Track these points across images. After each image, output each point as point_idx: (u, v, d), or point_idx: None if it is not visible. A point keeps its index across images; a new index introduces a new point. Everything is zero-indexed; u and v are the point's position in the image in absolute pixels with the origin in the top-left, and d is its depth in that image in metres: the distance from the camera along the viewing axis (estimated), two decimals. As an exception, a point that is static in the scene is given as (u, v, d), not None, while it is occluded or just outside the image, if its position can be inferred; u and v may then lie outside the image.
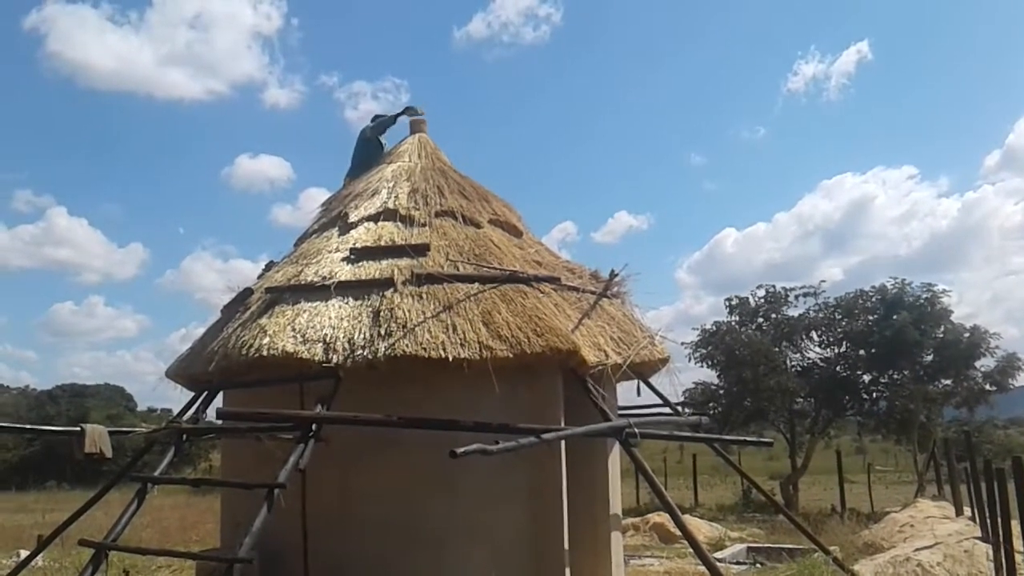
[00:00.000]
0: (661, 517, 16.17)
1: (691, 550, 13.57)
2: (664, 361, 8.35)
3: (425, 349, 6.48)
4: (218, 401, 7.44)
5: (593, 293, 8.15)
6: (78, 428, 7.93)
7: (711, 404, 22.28)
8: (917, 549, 11.33)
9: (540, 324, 6.85)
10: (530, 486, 6.89)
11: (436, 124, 10.14)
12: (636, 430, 6.79)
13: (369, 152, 9.81)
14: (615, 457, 8.38)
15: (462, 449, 5.09)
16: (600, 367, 7.22)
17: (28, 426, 8.25)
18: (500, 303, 7.02)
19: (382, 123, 10.09)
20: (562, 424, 6.92)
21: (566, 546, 6.88)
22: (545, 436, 5.94)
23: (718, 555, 12.25)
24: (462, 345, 6.56)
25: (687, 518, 16.75)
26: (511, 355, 6.58)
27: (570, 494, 7.11)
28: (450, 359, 6.45)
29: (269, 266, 8.53)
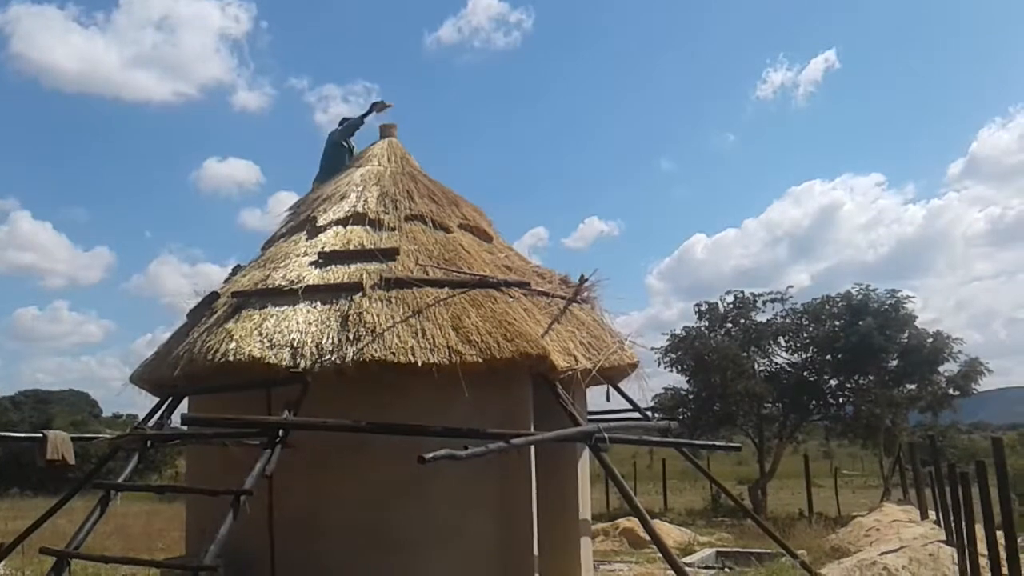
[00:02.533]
0: (631, 522, 16.20)
1: (661, 555, 13.71)
2: (633, 366, 8.38)
3: (394, 354, 6.44)
4: (183, 407, 7.36)
5: (563, 298, 8.15)
6: (40, 435, 7.80)
7: (680, 409, 22.38)
8: (883, 553, 11.44)
9: (510, 329, 6.84)
10: (500, 491, 6.87)
11: (406, 129, 10.13)
12: (606, 435, 6.79)
13: (338, 156, 9.75)
14: (584, 462, 8.39)
15: (431, 455, 5.06)
16: (570, 372, 7.23)
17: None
18: (470, 308, 6.99)
19: (350, 125, 10.02)
20: (532, 429, 6.91)
21: (536, 552, 6.88)
22: (514, 441, 5.92)
23: (687, 559, 12.30)
24: (431, 350, 6.52)
25: (656, 523, 16.78)
26: (480, 360, 6.56)
27: (540, 499, 7.10)
28: (419, 364, 6.41)
29: (236, 270, 8.44)
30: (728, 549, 14.16)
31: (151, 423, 7.60)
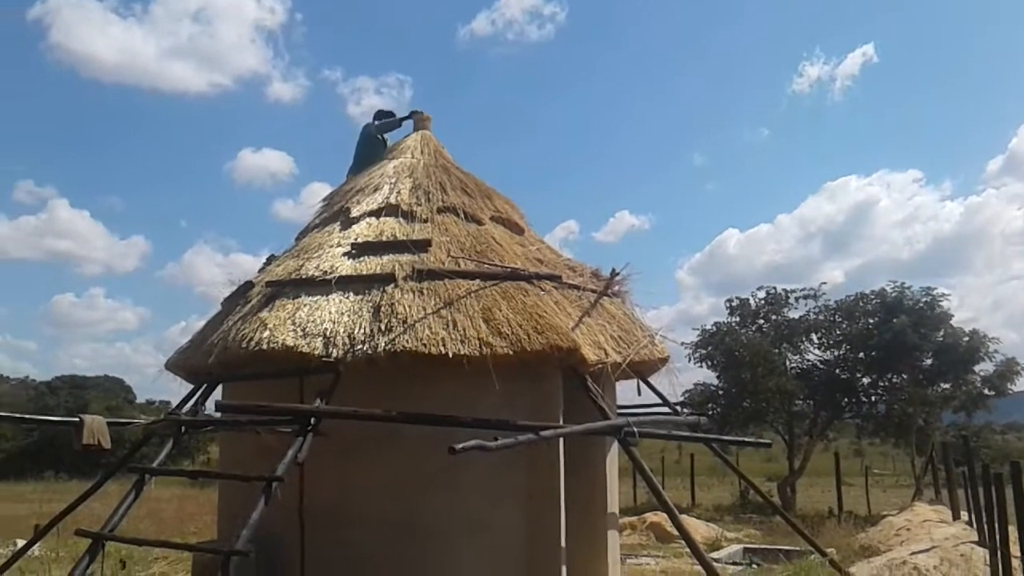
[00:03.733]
0: (658, 516, 16.19)
1: (688, 550, 13.67)
2: (664, 361, 8.35)
3: (425, 345, 6.47)
4: (217, 394, 7.45)
5: (594, 292, 8.14)
6: (76, 419, 7.93)
7: (710, 405, 22.29)
8: (913, 552, 11.33)
9: (540, 322, 6.84)
10: (528, 483, 6.88)
11: (439, 121, 10.16)
12: (635, 429, 6.78)
13: (372, 149, 9.82)
14: (613, 456, 8.38)
15: (461, 445, 5.08)
16: (600, 366, 7.22)
17: (27, 416, 8.23)
18: (501, 300, 7.01)
19: (388, 123, 10.12)
20: (561, 422, 6.92)
21: (563, 544, 6.88)
22: (544, 434, 5.93)
23: (714, 555, 12.26)
24: (462, 342, 6.54)
25: (684, 518, 16.78)
26: (511, 352, 6.57)
27: (568, 492, 7.10)
28: (450, 355, 6.43)
29: (270, 260, 8.52)
30: (756, 546, 14.10)
31: (185, 409, 7.73)
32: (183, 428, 6.87)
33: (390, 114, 10.28)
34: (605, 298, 8.18)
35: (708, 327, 23.23)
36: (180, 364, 7.76)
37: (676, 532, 15.28)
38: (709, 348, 22.35)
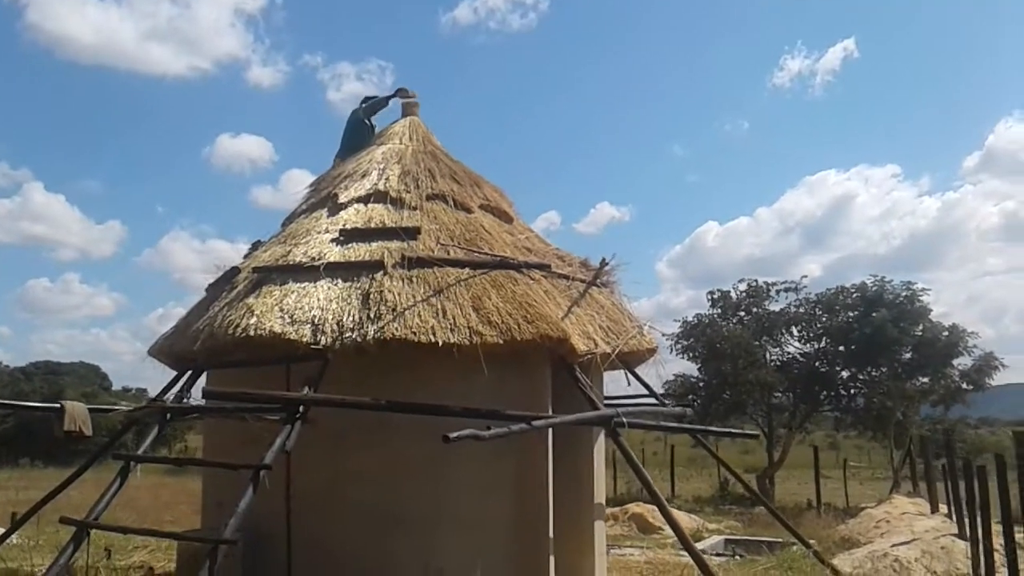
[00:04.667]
0: (640, 507, 16.25)
1: (671, 540, 13.73)
2: (652, 351, 8.34)
3: (415, 333, 6.40)
4: (202, 381, 7.36)
5: (583, 281, 8.11)
6: (58, 405, 7.83)
7: (690, 396, 22.43)
8: (894, 545, 11.45)
9: (530, 311, 6.80)
10: (516, 474, 6.85)
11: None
12: (624, 420, 6.77)
13: (360, 134, 9.71)
14: (600, 447, 8.38)
15: (455, 434, 5.05)
16: (589, 356, 7.19)
17: (5, 401, 8.09)
18: (490, 289, 6.95)
19: (374, 104, 9.99)
20: (550, 412, 6.89)
21: (551, 535, 6.86)
22: (536, 423, 5.90)
23: (696, 546, 12.32)
24: (452, 330, 6.48)
25: (666, 509, 16.90)
26: (501, 341, 6.51)
27: (555, 483, 7.08)
28: (440, 344, 6.37)
29: (256, 245, 8.42)
30: (737, 537, 14.18)
31: (168, 396, 7.63)
32: (168, 415, 6.77)
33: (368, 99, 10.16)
34: (594, 288, 8.16)
35: (690, 319, 23.36)
36: (164, 350, 7.65)
37: (658, 523, 15.49)
38: (690, 340, 22.46)
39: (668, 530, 15.25)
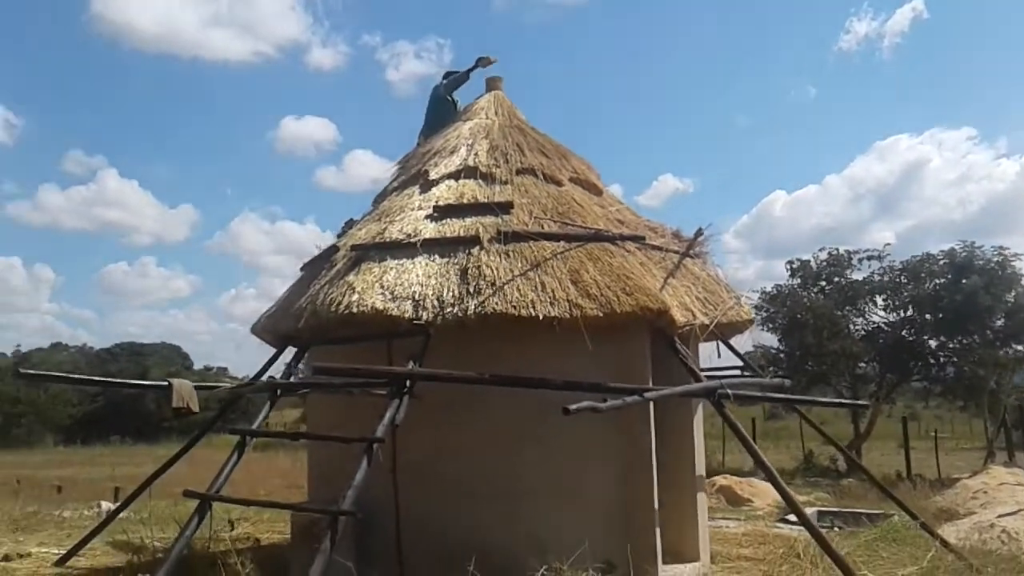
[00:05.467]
0: (727, 480, 16.14)
1: (761, 513, 13.59)
2: (749, 322, 8.22)
3: (515, 307, 6.42)
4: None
5: (676, 252, 8.01)
6: (166, 383, 8.07)
7: (771, 368, 22.08)
8: (1000, 515, 11.12)
9: (629, 283, 6.75)
10: (620, 446, 6.82)
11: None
12: (729, 391, 6.68)
13: (443, 110, 9.73)
14: (700, 418, 8.31)
15: (574, 406, 5.05)
16: (688, 327, 7.12)
17: (118, 380, 8.40)
18: (587, 261, 6.92)
19: (455, 80, 9.99)
20: (650, 385, 6.84)
21: (656, 506, 6.84)
22: (648, 395, 5.87)
23: (790, 518, 12.15)
24: (552, 304, 6.48)
25: (752, 481, 16.71)
26: (601, 314, 6.49)
27: (656, 455, 7.05)
28: (540, 317, 6.38)
29: (349, 224, 8.54)
30: (829, 509, 13.93)
31: (270, 373, 7.85)
32: (278, 391, 6.93)
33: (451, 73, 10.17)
34: (687, 259, 8.05)
35: (768, 289, 22.95)
36: (268, 328, 7.82)
37: (746, 495, 15.32)
38: (770, 311, 22.08)
39: (757, 502, 15.17)
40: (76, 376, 11.81)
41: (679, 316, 7.05)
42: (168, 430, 44.87)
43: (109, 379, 9.25)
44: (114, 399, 50.74)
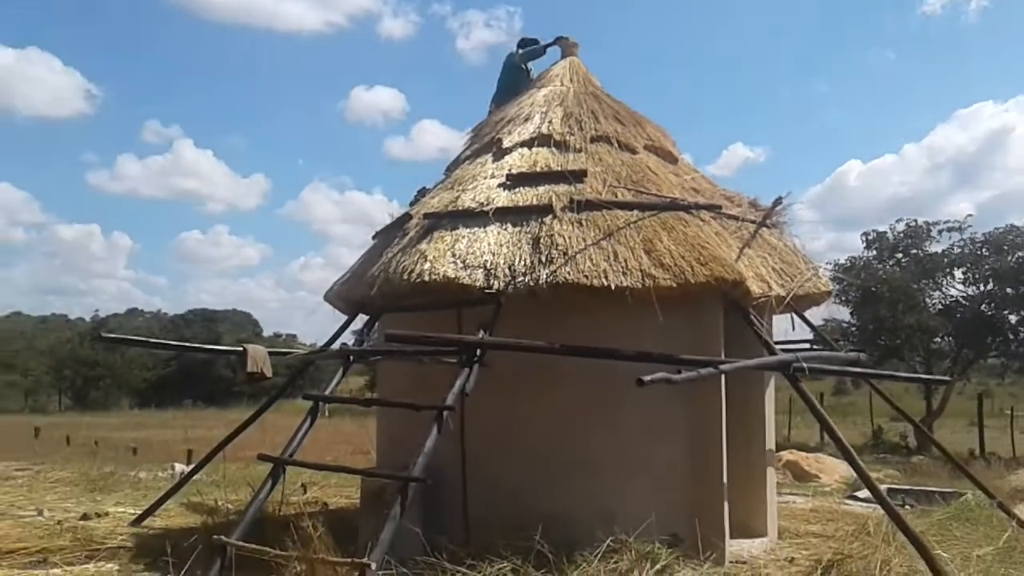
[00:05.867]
0: (794, 455, 15.87)
1: (828, 489, 13.35)
2: (828, 295, 8.01)
3: (587, 277, 6.34)
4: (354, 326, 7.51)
5: (752, 222, 7.81)
6: (241, 348, 8.22)
7: (841, 342, 21.59)
8: (1077, 494, 10.75)
9: (703, 253, 6.61)
10: (690, 419, 6.74)
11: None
12: (804, 365, 6.51)
13: (517, 78, 9.64)
14: (771, 393, 8.15)
15: (648, 377, 4.96)
16: (764, 299, 6.96)
17: (195, 345, 8.58)
18: (661, 231, 6.79)
19: (532, 51, 9.89)
20: (723, 357, 6.71)
21: (725, 480, 6.74)
22: (723, 367, 5.76)
23: (858, 494, 11.92)
24: (624, 273, 6.38)
25: (820, 456, 16.43)
26: (674, 284, 6.37)
27: (727, 429, 6.94)
28: (612, 288, 6.28)
29: (422, 192, 8.52)
30: (901, 486, 13.61)
31: (342, 340, 7.91)
32: (351, 358, 6.99)
33: (534, 41, 10.00)
34: (764, 229, 7.85)
35: (842, 261, 22.38)
36: (342, 295, 7.89)
37: (813, 471, 15.08)
38: (843, 283, 21.54)
39: (824, 478, 14.91)
40: (153, 340, 12.15)
41: (755, 287, 6.89)
42: (238, 395, 46.15)
43: (185, 344, 9.44)
44: (186, 364, 52.28)
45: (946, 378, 10.82)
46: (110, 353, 52.40)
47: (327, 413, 6.55)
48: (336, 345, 8.00)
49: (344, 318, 8.19)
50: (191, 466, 10.86)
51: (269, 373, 8.09)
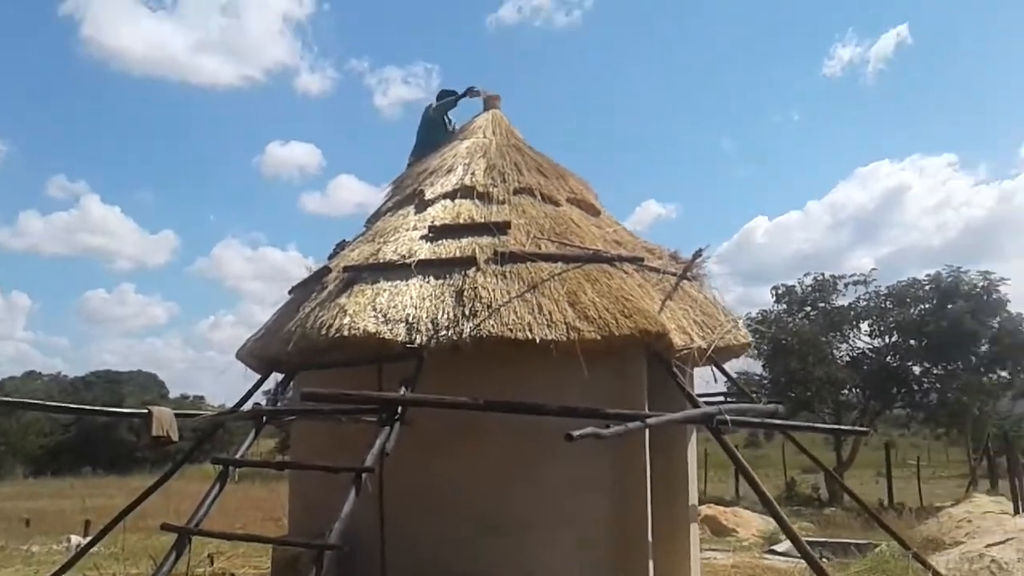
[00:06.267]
0: (712, 509, 15.92)
1: (746, 543, 13.37)
2: (747, 346, 8.06)
3: (511, 330, 6.21)
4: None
5: (673, 275, 7.85)
6: (146, 410, 7.77)
7: (754, 393, 21.95)
8: (989, 545, 10.98)
9: (628, 305, 6.57)
10: (614, 474, 6.62)
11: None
12: (727, 417, 6.49)
13: (435, 131, 9.61)
14: (693, 446, 8.12)
15: (578, 432, 4.83)
16: (686, 351, 6.94)
17: (95, 408, 8.04)
18: (585, 283, 6.74)
19: (446, 103, 9.88)
20: (646, 410, 6.64)
21: (650, 537, 6.62)
22: (650, 421, 5.66)
23: (776, 548, 11.96)
24: (549, 326, 6.28)
25: (737, 511, 16.52)
26: (599, 337, 6.29)
27: (651, 483, 6.84)
28: (537, 341, 6.17)
29: (341, 245, 8.31)
30: (815, 538, 13.75)
31: (251, 402, 7.56)
32: (263, 418, 6.65)
33: (452, 93, 10.04)
34: (684, 281, 7.89)
35: (753, 315, 22.91)
36: (254, 353, 7.56)
37: (731, 525, 15.12)
38: (755, 336, 22.02)
39: (742, 532, 14.96)
40: (50, 404, 11.45)
41: (677, 339, 6.88)
42: (141, 461, 44.01)
43: (84, 407, 8.93)
44: (86, 429, 49.71)
45: (864, 429, 11.02)
46: (4, 418, 49.50)
47: (236, 478, 6.17)
48: (248, 405, 7.63)
49: (257, 377, 7.85)
50: (88, 538, 10.19)
51: (175, 437, 7.64)
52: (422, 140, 9.62)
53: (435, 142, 9.26)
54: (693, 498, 8.07)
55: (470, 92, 9.89)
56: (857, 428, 11.57)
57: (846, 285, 22.28)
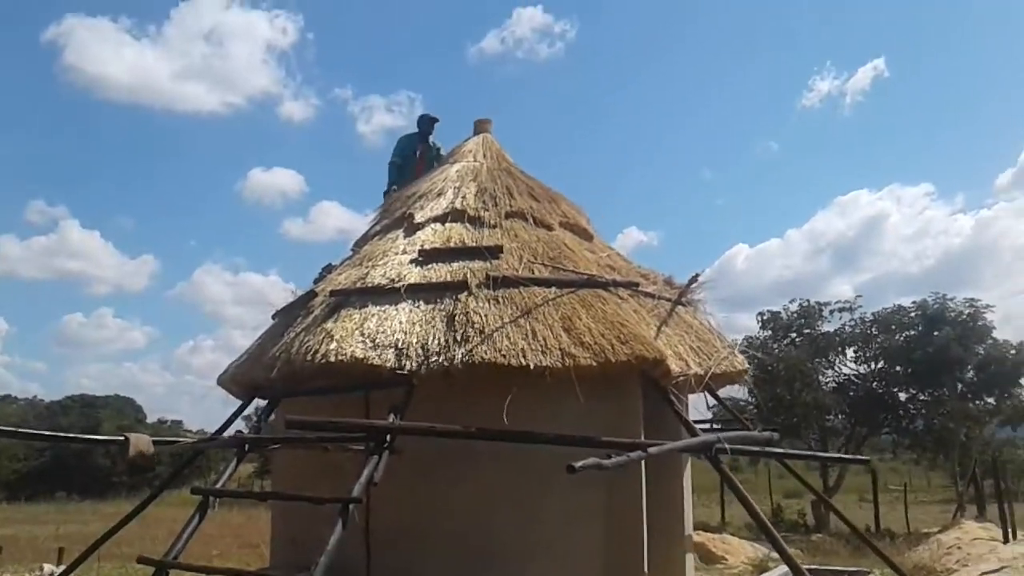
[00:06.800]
0: (700, 536, 15.69)
1: (736, 571, 13.18)
2: (743, 373, 7.92)
3: (505, 356, 6.02)
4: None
5: (668, 300, 7.70)
6: (123, 437, 7.51)
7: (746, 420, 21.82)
8: (984, 573, 10.87)
9: (623, 331, 6.41)
10: (609, 503, 6.43)
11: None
12: (727, 446, 6.33)
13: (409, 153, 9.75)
14: (688, 474, 7.94)
15: (579, 464, 4.63)
16: (682, 377, 6.78)
17: (70, 435, 7.74)
18: (580, 308, 6.58)
19: (410, 136, 10.17)
20: (642, 438, 6.46)
21: (646, 568, 6.42)
22: (652, 450, 5.47)
23: (767, 576, 11.77)
24: (543, 352, 6.10)
25: (724, 538, 16.31)
26: (594, 363, 6.13)
27: (647, 513, 6.65)
28: (531, 367, 5.99)
29: (328, 269, 8.11)
30: (808, 566, 13.55)
31: (231, 429, 7.31)
32: (246, 446, 6.40)
33: (433, 119, 10.23)
34: (680, 307, 7.75)
35: (737, 341, 22.83)
36: (237, 379, 7.32)
37: (720, 552, 14.92)
38: (755, 361, 21.94)
39: (731, 559, 14.75)
40: (24, 430, 11.09)
41: (674, 366, 6.71)
42: (116, 486, 43.26)
43: (59, 434, 8.63)
44: (61, 454, 48.83)
45: (865, 458, 10.86)
46: (-24, 444, 48.53)
47: (215, 507, 5.91)
48: (230, 432, 7.37)
49: (238, 403, 7.61)
50: (62, 566, 9.85)
51: (153, 463, 7.40)
52: (400, 168, 9.70)
53: (407, 167, 9.35)
54: (689, 528, 7.90)
55: (420, 119, 10.20)
56: (858, 457, 11.42)
57: (831, 312, 22.29)
